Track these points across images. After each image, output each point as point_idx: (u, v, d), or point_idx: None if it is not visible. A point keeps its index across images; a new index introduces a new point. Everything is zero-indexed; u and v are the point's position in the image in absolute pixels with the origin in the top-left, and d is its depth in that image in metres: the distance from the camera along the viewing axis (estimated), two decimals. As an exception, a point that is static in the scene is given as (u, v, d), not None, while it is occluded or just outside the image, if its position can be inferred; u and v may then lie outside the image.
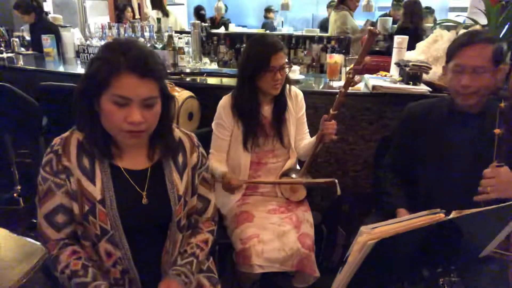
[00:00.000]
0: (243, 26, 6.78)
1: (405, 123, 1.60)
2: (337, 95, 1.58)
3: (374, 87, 2.10)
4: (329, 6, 6.36)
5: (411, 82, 2.08)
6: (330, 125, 1.58)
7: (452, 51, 1.39)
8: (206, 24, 4.58)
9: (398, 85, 2.09)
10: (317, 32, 4.47)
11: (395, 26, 4.29)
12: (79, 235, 1.09)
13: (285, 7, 6.43)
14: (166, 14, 4.96)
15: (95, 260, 1.09)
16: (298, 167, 1.85)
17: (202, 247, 1.20)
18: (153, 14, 5.01)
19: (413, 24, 3.81)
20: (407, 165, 1.57)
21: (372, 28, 1.45)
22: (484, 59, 1.31)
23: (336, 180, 1.58)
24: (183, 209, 1.14)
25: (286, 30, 6.80)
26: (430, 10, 5.07)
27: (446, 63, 1.44)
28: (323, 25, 5.94)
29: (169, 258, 1.14)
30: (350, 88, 1.60)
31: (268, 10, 7.16)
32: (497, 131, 1.18)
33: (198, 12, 6.07)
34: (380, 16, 5.69)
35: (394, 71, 2.34)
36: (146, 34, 2.82)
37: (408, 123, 1.58)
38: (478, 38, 1.34)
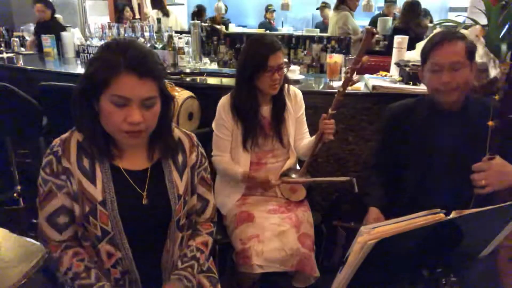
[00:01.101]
0: (243, 26, 6.78)
1: (387, 124, 1.61)
2: (336, 95, 1.58)
3: (374, 87, 2.10)
4: (320, 8, 6.39)
5: (411, 82, 2.08)
6: (328, 124, 1.58)
7: (427, 52, 1.41)
8: (206, 24, 4.57)
9: (398, 85, 2.09)
10: (317, 32, 4.47)
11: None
12: (80, 236, 1.09)
13: (285, 7, 6.44)
14: (166, 14, 4.96)
15: (95, 261, 1.08)
16: (298, 167, 1.85)
17: (202, 249, 1.20)
18: (153, 14, 5.01)
19: (407, 24, 3.81)
20: (391, 166, 1.59)
21: (369, 27, 1.46)
22: (458, 55, 1.35)
23: (354, 179, 1.59)
24: (183, 208, 1.14)
25: (286, 30, 6.81)
26: (425, 12, 5.06)
27: (422, 65, 1.47)
28: (319, 27, 5.95)
29: (169, 257, 1.14)
30: (349, 87, 1.60)
31: (266, 9, 7.17)
32: (490, 123, 1.19)
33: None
34: (375, 15, 5.71)
35: (394, 71, 2.34)
36: (146, 34, 2.83)
37: (390, 124, 1.59)
38: (449, 36, 1.38)
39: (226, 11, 6.67)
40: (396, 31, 3.59)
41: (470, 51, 1.37)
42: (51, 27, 3.62)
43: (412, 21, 3.82)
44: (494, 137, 1.20)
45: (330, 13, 6.25)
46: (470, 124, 1.41)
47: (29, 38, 3.86)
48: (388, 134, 1.61)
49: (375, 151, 1.73)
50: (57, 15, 4.74)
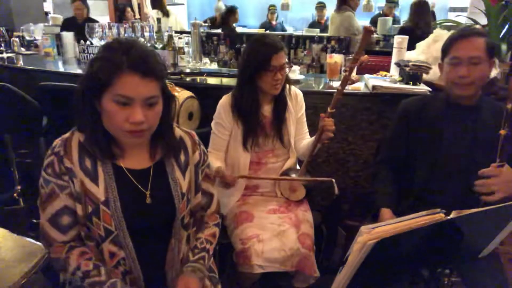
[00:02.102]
0: (243, 26, 6.78)
1: (401, 118, 1.62)
2: (335, 93, 1.58)
3: (374, 87, 2.10)
4: (317, 7, 6.36)
5: (411, 82, 2.08)
6: (328, 122, 1.58)
7: (447, 47, 1.46)
8: (206, 24, 4.57)
9: (398, 85, 2.09)
10: (317, 32, 4.47)
11: (395, 26, 4.28)
12: (83, 236, 1.09)
13: (285, 7, 6.44)
14: (166, 14, 4.96)
15: (99, 260, 1.08)
16: (298, 167, 1.85)
17: (211, 240, 1.24)
18: (153, 14, 5.01)
19: (416, 24, 3.79)
20: (401, 160, 1.59)
21: (367, 25, 1.46)
22: (478, 50, 1.38)
23: (333, 180, 1.59)
24: (186, 206, 1.14)
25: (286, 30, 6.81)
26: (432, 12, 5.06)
27: (442, 59, 1.50)
28: (314, 27, 5.93)
29: (174, 256, 1.14)
30: (349, 87, 1.60)
31: (268, 10, 7.14)
32: (502, 131, 1.19)
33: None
34: (375, 15, 5.70)
35: (394, 71, 2.34)
36: (146, 34, 2.82)
37: (404, 118, 1.60)
38: (470, 31, 1.43)
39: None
40: (404, 30, 3.57)
41: (490, 48, 1.40)
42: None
43: (422, 21, 3.80)
44: (505, 145, 1.21)
45: (326, 13, 6.23)
46: (481, 122, 1.44)
47: (29, 38, 3.85)
48: (400, 128, 1.61)
49: (385, 145, 1.71)
50: (56, 15, 4.76)
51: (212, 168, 1.67)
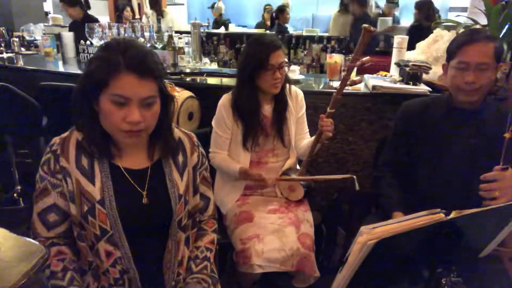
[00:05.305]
0: (243, 26, 6.78)
1: (402, 120, 1.60)
2: (334, 93, 1.58)
3: (374, 87, 2.10)
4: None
5: (411, 82, 2.08)
6: (327, 122, 1.58)
7: (455, 49, 1.40)
8: (206, 24, 4.57)
9: (398, 85, 2.09)
10: (317, 32, 4.47)
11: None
12: (76, 236, 1.09)
13: (285, 7, 6.41)
14: (161, 14, 4.97)
15: (92, 260, 1.08)
16: (298, 166, 1.85)
17: (211, 248, 1.25)
18: (149, 14, 5.03)
19: (429, 22, 3.80)
20: (403, 162, 1.58)
21: (367, 25, 1.44)
22: (487, 56, 1.34)
23: (355, 176, 1.58)
24: (184, 208, 1.14)
25: (285, 30, 6.79)
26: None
27: (447, 61, 1.46)
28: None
29: (172, 257, 1.13)
30: (349, 87, 1.59)
31: (264, 9, 7.11)
32: (507, 135, 1.18)
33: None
34: (375, 15, 5.69)
35: (394, 71, 2.34)
36: (146, 34, 2.82)
37: (405, 120, 1.58)
38: (480, 36, 1.37)
39: (225, 11, 6.67)
40: (416, 29, 3.57)
41: (498, 53, 1.37)
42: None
43: (432, 19, 3.81)
44: (509, 149, 1.19)
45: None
46: (484, 125, 1.42)
47: (29, 38, 3.85)
48: (401, 131, 1.60)
49: (389, 147, 1.69)
50: (56, 15, 4.74)
51: (234, 171, 1.68)
